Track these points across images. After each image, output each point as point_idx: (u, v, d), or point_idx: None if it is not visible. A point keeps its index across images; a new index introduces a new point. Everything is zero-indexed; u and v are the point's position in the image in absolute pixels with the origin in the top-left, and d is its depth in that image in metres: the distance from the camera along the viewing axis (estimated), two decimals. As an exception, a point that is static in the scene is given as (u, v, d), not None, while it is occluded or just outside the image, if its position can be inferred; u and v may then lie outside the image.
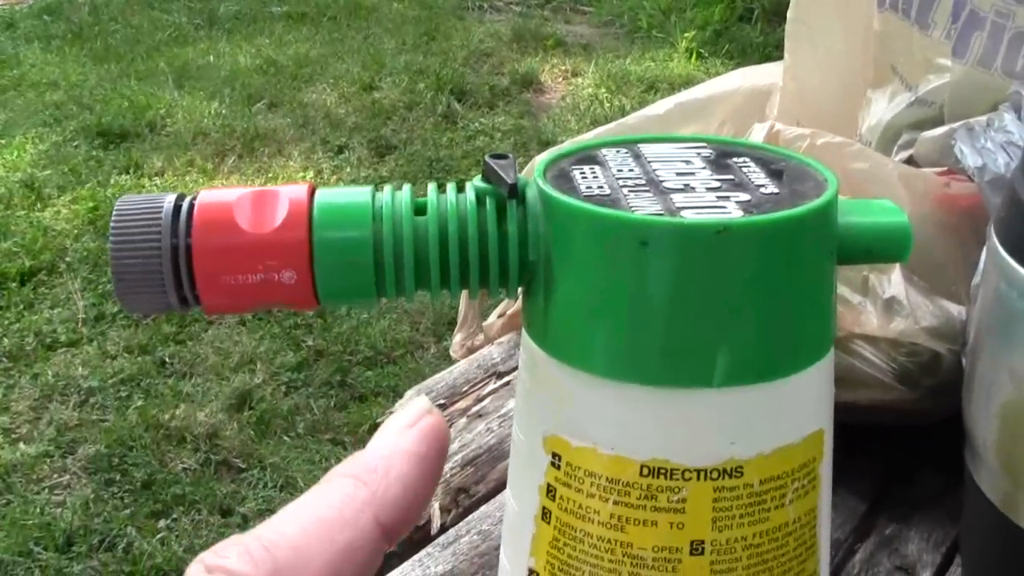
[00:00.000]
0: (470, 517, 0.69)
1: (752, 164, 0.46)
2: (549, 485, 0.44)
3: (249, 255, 0.42)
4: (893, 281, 0.67)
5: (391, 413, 0.79)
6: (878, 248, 0.45)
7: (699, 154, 0.47)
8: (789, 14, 0.91)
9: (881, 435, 0.74)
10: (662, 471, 0.42)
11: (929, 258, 0.68)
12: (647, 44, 4.92)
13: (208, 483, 2.12)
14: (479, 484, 0.73)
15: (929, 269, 0.68)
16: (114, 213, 0.43)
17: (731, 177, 0.44)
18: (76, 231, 3.09)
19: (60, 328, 2.67)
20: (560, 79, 4.49)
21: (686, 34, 4.83)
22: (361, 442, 1.69)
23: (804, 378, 0.43)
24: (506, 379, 0.84)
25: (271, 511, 1.50)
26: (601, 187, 0.42)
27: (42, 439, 2.28)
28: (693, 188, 0.43)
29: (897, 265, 0.68)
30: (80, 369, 2.51)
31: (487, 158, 0.43)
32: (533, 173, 0.44)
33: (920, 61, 0.80)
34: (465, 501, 0.71)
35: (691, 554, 0.43)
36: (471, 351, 0.90)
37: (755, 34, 4.88)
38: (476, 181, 0.43)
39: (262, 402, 2.35)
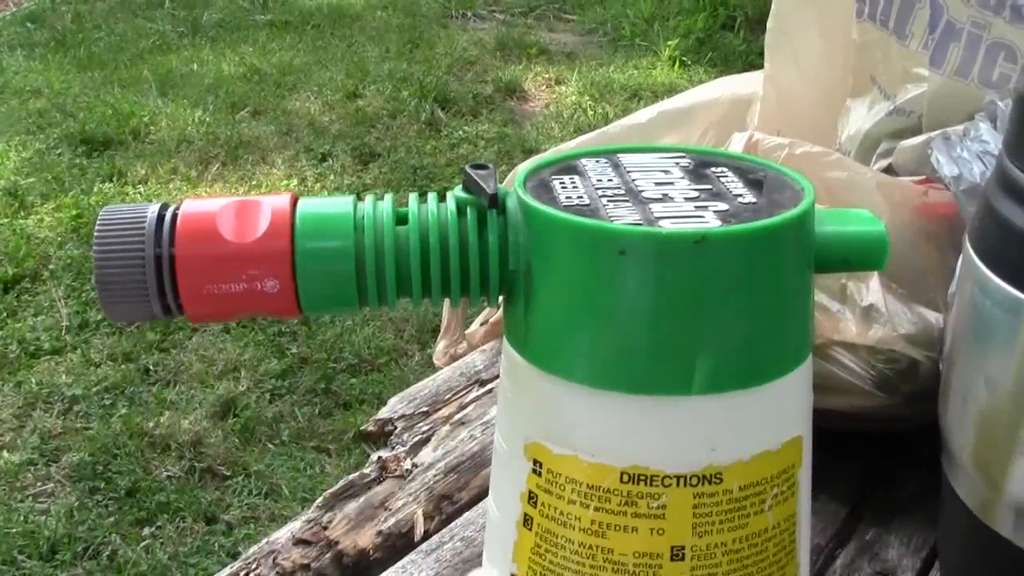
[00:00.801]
0: (453, 524, 0.69)
1: (730, 174, 0.46)
2: (531, 492, 0.45)
3: (232, 265, 0.42)
4: (871, 289, 0.68)
5: (375, 420, 0.79)
6: (855, 257, 0.46)
7: (678, 164, 0.48)
8: (769, 23, 0.91)
9: (861, 441, 0.74)
10: (642, 477, 0.42)
11: (907, 266, 0.68)
12: (630, 52, 4.92)
13: (193, 491, 2.12)
14: (462, 491, 0.73)
15: (907, 277, 0.68)
16: (98, 223, 0.43)
17: (709, 187, 0.45)
18: (59, 239, 3.08)
19: (44, 336, 2.66)
20: (544, 87, 4.49)
21: (669, 42, 4.83)
22: (346, 449, 1.69)
23: (782, 385, 0.43)
24: (489, 386, 0.85)
25: (256, 519, 1.51)
26: (580, 197, 0.43)
27: (26, 447, 2.27)
28: (671, 198, 0.43)
29: (875, 273, 0.68)
30: (64, 377, 2.50)
31: (467, 168, 0.44)
32: (514, 183, 0.44)
33: (898, 71, 0.80)
34: (448, 508, 0.71)
35: (672, 559, 0.43)
36: (454, 359, 0.91)
37: (738, 42, 4.89)
38: (457, 191, 0.44)
39: (246, 409, 2.34)
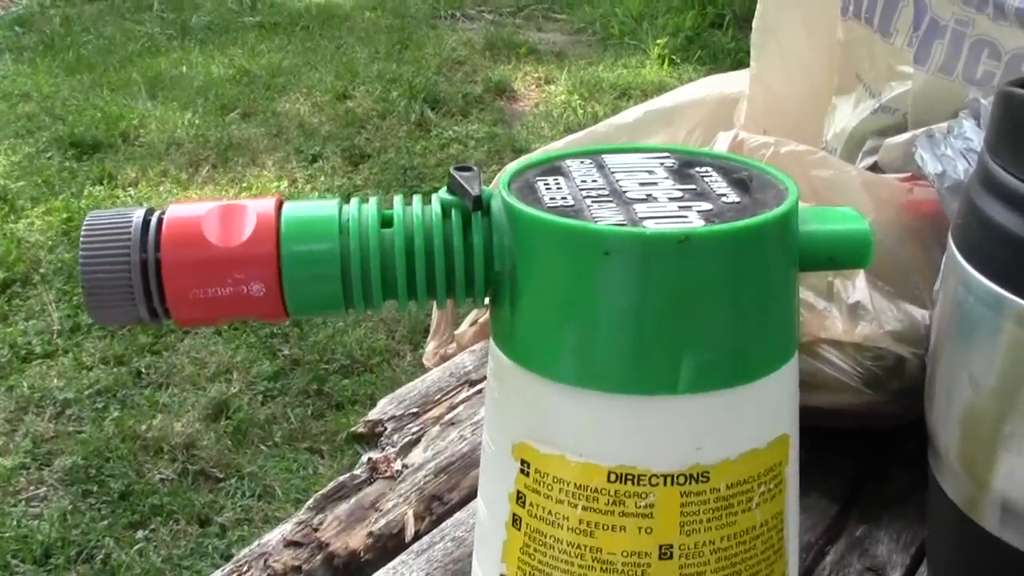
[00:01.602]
0: (444, 524, 0.69)
1: (714, 173, 0.47)
2: (519, 492, 0.45)
3: (217, 269, 0.42)
4: (858, 286, 0.68)
5: (366, 422, 0.79)
6: (840, 255, 0.46)
7: (662, 164, 0.48)
8: (755, 22, 0.92)
9: (850, 438, 0.75)
10: (629, 477, 0.42)
11: (893, 263, 0.69)
12: (619, 51, 4.93)
13: (186, 493, 2.12)
14: (452, 492, 0.73)
15: (893, 274, 0.69)
16: (84, 228, 0.43)
17: (693, 187, 0.45)
18: (50, 242, 3.08)
19: (35, 340, 2.65)
20: (533, 86, 4.50)
21: (658, 41, 4.84)
22: (339, 451, 1.69)
23: (768, 383, 0.43)
24: (478, 387, 0.85)
25: (249, 520, 1.51)
26: (564, 198, 0.43)
27: (18, 451, 2.27)
28: (655, 198, 0.43)
29: (862, 270, 0.68)
30: (56, 381, 2.50)
31: (452, 170, 0.44)
32: (498, 184, 0.44)
33: (883, 69, 0.80)
34: (439, 509, 0.72)
35: (660, 558, 0.43)
36: (444, 359, 0.91)
37: (727, 40, 4.90)
38: (442, 193, 0.44)
39: (239, 411, 2.34)
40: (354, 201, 0.44)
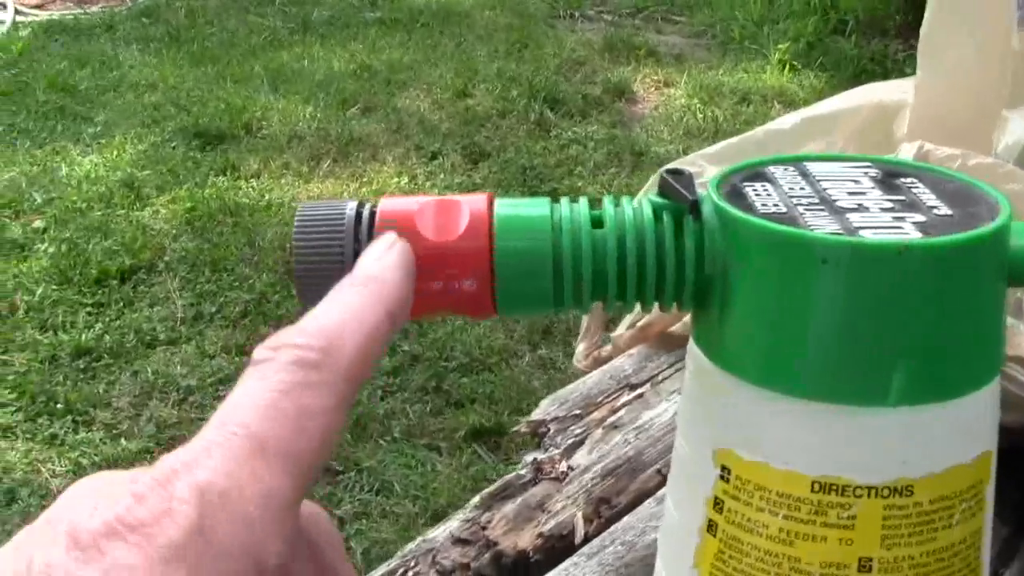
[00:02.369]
0: (613, 528, 0.69)
1: (921, 185, 0.46)
2: (716, 498, 0.45)
3: (431, 263, 0.42)
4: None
5: (529, 422, 0.79)
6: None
7: (866, 173, 0.47)
8: (922, 30, 0.90)
9: (1019, 458, 0.73)
10: (833, 487, 0.42)
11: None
12: (740, 55, 4.90)
13: (304, 485, 2.14)
14: (620, 495, 0.73)
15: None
16: (296, 220, 0.44)
17: (902, 198, 0.44)
18: (174, 231, 3.13)
19: (159, 326, 2.70)
20: (652, 89, 4.48)
21: (779, 46, 4.80)
22: (457, 448, 1.70)
23: (976, 398, 0.43)
24: (639, 391, 0.85)
25: (367, 515, 1.52)
26: (776, 205, 0.43)
27: (142, 435, 2.31)
28: (867, 208, 0.43)
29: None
30: (179, 367, 2.54)
31: (664, 173, 0.44)
32: (708, 187, 0.44)
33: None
34: (607, 512, 0.72)
35: (859, 571, 0.43)
36: (597, 361, 0.91)
37: (849, 47, 4.84)
38: (651, 196, 0.44)
39: (358, 406, 2.36)
40: (564, 200, 0.44)
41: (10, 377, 2.50)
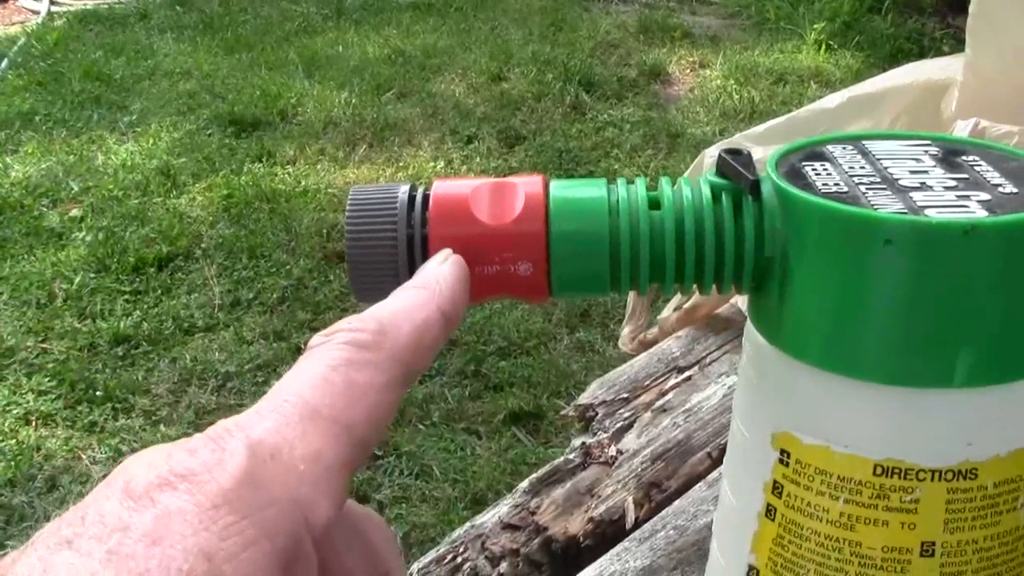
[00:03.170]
0: (664, 512, 0.69)
1: (983, 163, 0.45)
2: (775, 482, 0.44)
3: (486, 246, 0.42)
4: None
5: (577, 406, 0.78)
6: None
7: (926, 152, 0.46)
8: (971, 8, 0.89)
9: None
10: (896, 471, 0.41)
11: None
12: (775, 36, 4.87)
13: (344, 469, 2.14)
14: (670, 479, 0.72)
15: None
16: (349, 203, 0.44)
17: (966, 176, 0.44)
18: (211, 218, 3.14)
19: (197, 313, 2.71)
20: (688, 71, 4.46)
21: (815, 26, 4.77)
22: (496, 432, 1.69)
23: (1042, 380, 0.42)
24: (687, 374, 0.84)
25: (407, 499, 1.52)
26: (837, 184, 0.42)
27: (181, 421, 2.32)
28: (930, 187, 0.42)
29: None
30: (217, 354, 2.54)
31: (723, 153, 0.43)
32: (766, 167, 0.43)
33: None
34: (657, 496, 0.71)
35: (921, 555, 0.42)
36: (644, 344, 0.90)
37: (885, 26, 4.80)
38: (710, 176, 0.43)
39: (398, 390, 2.36)
40: (620, 181, 0.44)
41: (50, 365, 2.51)
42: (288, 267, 2.86)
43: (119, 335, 2.61)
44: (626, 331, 0.93)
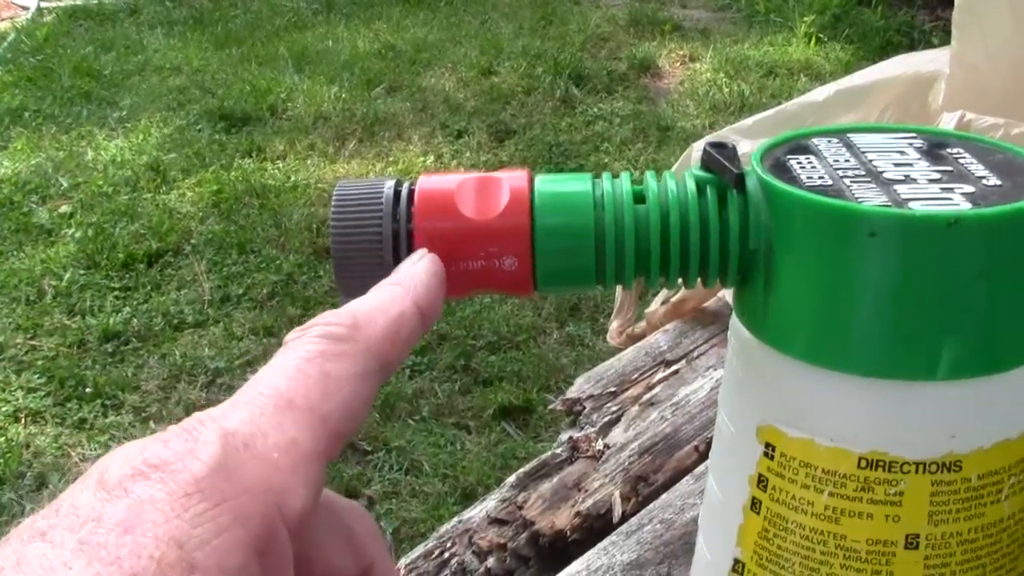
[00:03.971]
0: (651, 506, 0.69)
1: (968, 155, 0.45)
2: (760, 475, 0.44)
3: (471, 241, 0.42)
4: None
5: (564, 400, 0.78)
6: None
7: (911, 144, 0.47)
8: (957, 1, 0.89)
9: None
10: (880, 463, 0.41)
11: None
12: (765, 28, 4.87)
13: (334, 465, 2.14)
14: (657, 473, 0.72)
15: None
16: (334, 198, 0.44)
17: (950, 168, 0.44)
18: (201, 213, 3.13)
19: (187, 309, 2.71)
20: (678, 64, 4.46)
21: (805, 18, 4.77)
22: (486, 426, 1.69)
23: (1024, 372, 0.42)
24: (675, 367, 0.84)
25: (397, 494, 1.51)
26: (822, 177, 0.42)
27: (171, 418, 2.30)
28: (915, 179, 0.42)
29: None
30: (207, 350, 2.54)
31: (708, 147, 0.43)
32: (751, 161, 0.43)
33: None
34: (644, 490, 0.71)
35: (906, 548, 0.42)
36: (631, 338, 0.90)
37: (875, 18, 4.80)
38: (695, 170, 0.43)
39: (387, 385, 2.36)
40: (605, 175, 0.44)
41: (39, 362, 2.50)
42: (278, 262, 2.86)
43: (109, 331, 2.61)
44: (614, 325, 0.93)
